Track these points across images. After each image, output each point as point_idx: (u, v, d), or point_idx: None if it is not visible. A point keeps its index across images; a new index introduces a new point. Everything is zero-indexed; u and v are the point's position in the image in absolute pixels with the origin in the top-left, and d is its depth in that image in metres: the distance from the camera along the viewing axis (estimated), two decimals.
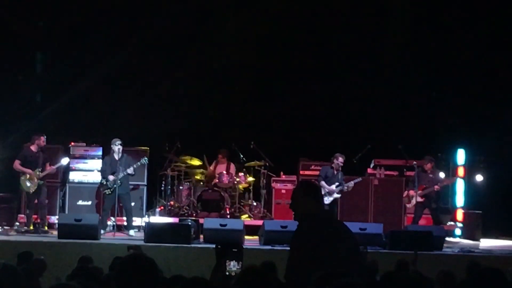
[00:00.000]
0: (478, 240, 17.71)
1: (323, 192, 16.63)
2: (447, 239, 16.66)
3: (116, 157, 16.44)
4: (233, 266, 5.40)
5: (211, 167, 18.99)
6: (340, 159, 16.82)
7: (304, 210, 6.45)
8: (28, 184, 16.28)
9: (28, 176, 16.23)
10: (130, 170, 16.35)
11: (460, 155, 19.13)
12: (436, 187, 17.04)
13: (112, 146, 16.54)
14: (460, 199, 18.97)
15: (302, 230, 6.37)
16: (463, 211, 18.84)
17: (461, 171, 19.02)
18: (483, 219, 18.22)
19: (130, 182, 16.86)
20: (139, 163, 16.52)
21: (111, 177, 16.27)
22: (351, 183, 16.92)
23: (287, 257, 6.26)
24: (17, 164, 16.36)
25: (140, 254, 4.98)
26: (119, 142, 16.48)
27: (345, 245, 6.36)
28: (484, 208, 18.48)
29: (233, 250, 5.47)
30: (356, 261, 6.37)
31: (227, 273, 5.38)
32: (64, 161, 16.96)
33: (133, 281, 4.34)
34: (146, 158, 16.80)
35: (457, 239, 18.19)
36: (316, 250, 6.12)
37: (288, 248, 6.48)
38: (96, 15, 19.16)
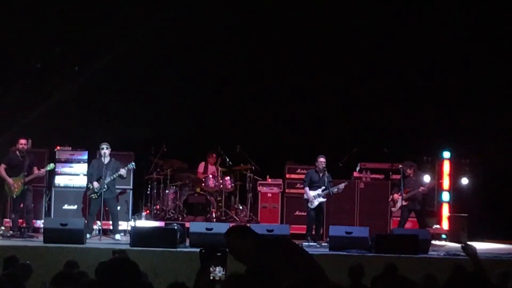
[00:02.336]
0: (464, 243, 17.70)
1: (305, 197, 16.73)
2: (433, 242, 16.69)
3: (104, 160, 16.40)
4: (218, 271, 5.39)
5: (200, 169, 18.98)
6: (321, 159, 16.84)
7: (253, 251, 6.28)
8: (11, 189, 16.24)
9: (9, 183, 16.19)
10: (123, 172, 16.31)
11: (446, 158, 19.18)
12: (422, 188, 17.06)
13: (100, 150, 16.49)
14: (445, 202, 19.04)
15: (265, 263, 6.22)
16: (448, 214, 18.90)
17: (446, 175, 19.07)
18: (469, 222, 18.27)
19: (117, 187, 16.82)
20: (126, 168, 16.49)
21: (96, 184, 16.23)
22: (341, 186, 16.87)
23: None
24: (2, 169, 16.32)
25: (123, 258, 4.98)
26: (107, 146, 16.45)
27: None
28: (470, 211, 18.53)
29: (218, 254, 5.45)
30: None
31: (212, 278, 5.37)
32: (49, 166, 16.89)
33: (116, 285, 4.34)
34: (133, 163, 16.75)
35: (443, 242, 18.22)
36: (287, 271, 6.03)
37: None
38: (80, 20, 19.09)
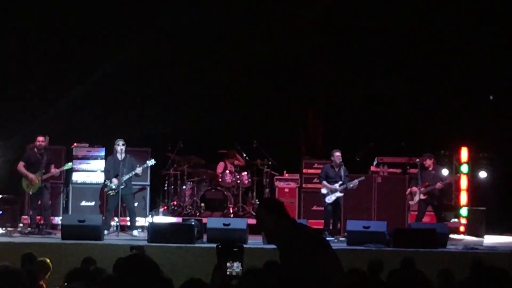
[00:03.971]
0: (482, 237, 17.67)
1: (325, 192, 16.65)
2: (451, 236, 16.62)
3: (119, 157, 16.42)
4: (235, 267, 5.38)
5: (219, 169, 18.87)
6: (336, 154, 16.79)
7: (274, 228, 6.19)
8: (28, 186, 16.29)
9: (29, 178, 16.24)
10: (138, 170, 16.35)
11: (464, 152, 19.08)
12: (438, 185, 16.95)
13: (115, 146, 16.51)
14: (463, 196, 18.94)
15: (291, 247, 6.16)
16: (467, 208, 18.81)
17: (464, 168, 18.97)
18: (487, 216, 18.19)
19: (134, 183, 16.84)
20: (145, 165, 16.52)
21: (115, 180, 16.24)
22: (356, 182, 16.84)
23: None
24: (20, 166, 16.36)
25: (140, 254, 4.98)
26: (122, 142, 16.46)
27: (330, 256, 6.21)
28: (488, 205, 18.44)
29: (234, 249, 5.44)
30: (340, 270, 6.20)
31: (228, 273, 5.36)
32: (67, 166, 16.94)
33: (133, 281, 4.34)
34: (153, 160, 16.75)
35: (461, 236, 18.14)
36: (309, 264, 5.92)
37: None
38: (98, 17, 19.13)
